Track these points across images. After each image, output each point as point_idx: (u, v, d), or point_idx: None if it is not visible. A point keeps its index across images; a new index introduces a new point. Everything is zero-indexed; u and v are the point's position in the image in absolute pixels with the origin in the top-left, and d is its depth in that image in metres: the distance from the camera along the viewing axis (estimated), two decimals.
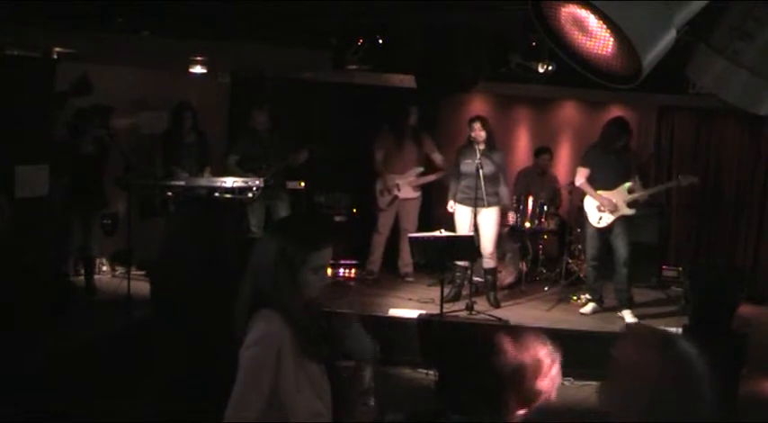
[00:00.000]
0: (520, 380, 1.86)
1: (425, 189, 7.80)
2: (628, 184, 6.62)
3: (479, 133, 6.62)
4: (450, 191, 6.99)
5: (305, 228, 2.46)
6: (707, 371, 1.73)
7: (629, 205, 6.60)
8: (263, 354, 2.25)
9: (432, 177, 7.61)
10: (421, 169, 7.58)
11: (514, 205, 7.77)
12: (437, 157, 7.62)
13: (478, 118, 6.87)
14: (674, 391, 1.68)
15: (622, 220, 6.61)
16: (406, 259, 7.65)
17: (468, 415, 1.84)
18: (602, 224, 6.67)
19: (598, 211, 6.68)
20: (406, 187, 7.54)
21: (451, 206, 6.93)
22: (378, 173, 7.58)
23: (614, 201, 6.59)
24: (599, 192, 6.65)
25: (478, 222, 6.74)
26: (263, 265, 2.35)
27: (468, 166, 6.70)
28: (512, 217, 7.50)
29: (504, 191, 6.90)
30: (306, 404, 2.30)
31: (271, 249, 2.35)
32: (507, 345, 1.89)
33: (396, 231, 7.65)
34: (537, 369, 1.89)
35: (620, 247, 6.63)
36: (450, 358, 1.94)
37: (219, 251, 5.47)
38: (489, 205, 6.64)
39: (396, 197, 7.54)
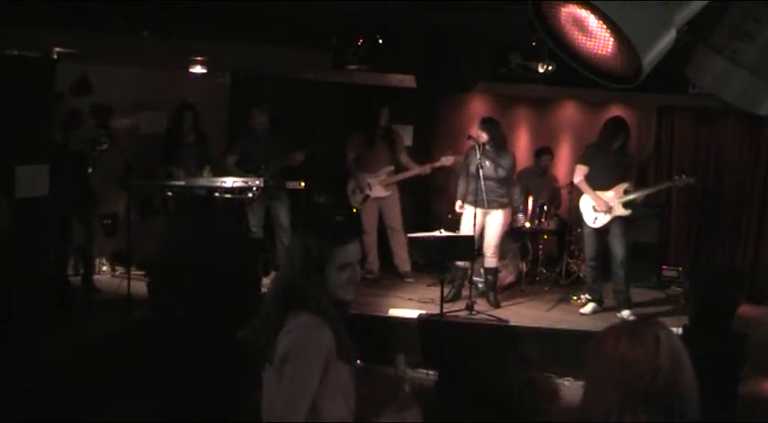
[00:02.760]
0: None
1: (425, 190, 7.80)
2: (624, 185, 6.62)
3: (479, 134, 6.62)
4: (458, 191, 6.98)
5: (328, 224, 2.47)
6: (687, 359, 1.71)
7: (625, 206, 6.60)
8: (312, 361, 2.20)
9: (406, 175, 7.58)
10: (391, 168, 7.58)
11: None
12: (404, 158, 7.60)
13: (481, 120, 6.89)
14: (645, 380, 1.66)
15: (619, 220, 6.61)
16: (402, 257, 7.64)
17: None
18: (598, 224, 6.67)
19: (593, 211, 6.68)
20: (378, 186, 7.54)
21: (460, 206, 6.91)
22: (349, 172, 7.62)
23: (609, 201, 6.59)
24: (596, 191, 6.65)
25: (486, 223, 6.73)
26: (291, 265, 2.33)
27: (476, 167, 6.70)
28: (521, 218, 7.46)
29: (514, 193, 6.88)
30: (332, 407, 2.28)
31: (297, 248, 2.34)
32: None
33: (385, 232, 7.66)
34: None
35: (618, 248, 6.63)
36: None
37: (218, 250, 5.47)
38: (498, 207, 6.65)
39: (368, 196, 7.55)
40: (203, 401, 4.62)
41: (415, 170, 7.51)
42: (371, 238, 7.62)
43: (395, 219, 7.58)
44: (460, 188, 6.94)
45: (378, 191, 7.55)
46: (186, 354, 4.77)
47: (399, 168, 7.63)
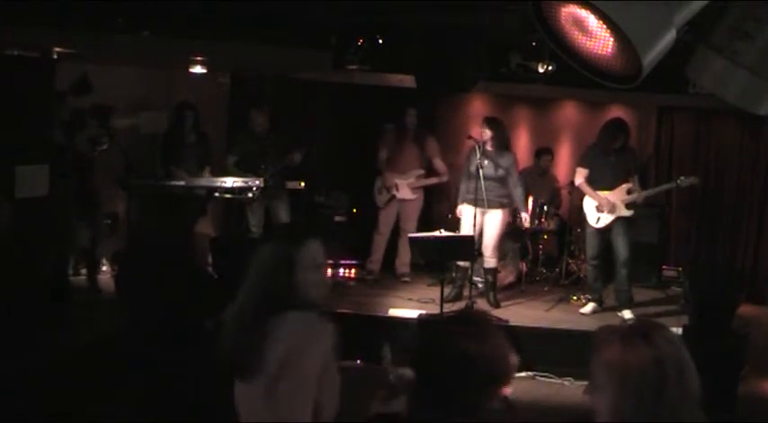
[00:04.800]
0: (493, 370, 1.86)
1: (425, 190, 7.78)
2: (627, 185, 6.62)
3: (484, 132, 6.62)
4: (459, 194, 6.96)
5: (288, 226, 2.50)
6: (688, 358, 1.72)
7: (628, 206, 6.60)
8: (314, 361, 2.24)
9: (432, 181, 7.58)
10: (421, 171, 7.56)
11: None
12: (437, 163, 7.57)
13: (486, 119, 6.88)
14: (659, 383, 1.67)
15: (622, 220, 6.61)
16: (403, 259, 7.63)
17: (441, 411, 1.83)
18: (601, 225, 6.67)
19: (597, 212, 6.68)
20: (405, 188, 7.52)
21: (460, 212, 6.88)
22: (379, 171, 7.59)
23: (613, 201, 6.59)
24: (598, 192, 6.65)
25: (484, 222, 6.73)
26: (263, 271, 2.33)
27: (475, 166, 6.70)
28: (525, 218, 7.38)
29: (516, 193, 6.83)
30: (330, 404, 2.32)
31: (266, 253, 2.35)
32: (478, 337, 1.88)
33: (396, 232, 7.64)
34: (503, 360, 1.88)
35: (620, 248, 6.63)
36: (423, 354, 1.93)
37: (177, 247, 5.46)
38: (497, 207, 6.63)
39: (393, 197, 7.53)
40: (199, 401, 4.61)
41: (434, 179, 7.53)
42: (384, 238, 7.59)
43: (411, 222, 7.52)
44: (462, 189, 6.93)
45: (404, 193, 7.51)
46: (167, 353, 4.76)
47: (431, 173, 7.60)
